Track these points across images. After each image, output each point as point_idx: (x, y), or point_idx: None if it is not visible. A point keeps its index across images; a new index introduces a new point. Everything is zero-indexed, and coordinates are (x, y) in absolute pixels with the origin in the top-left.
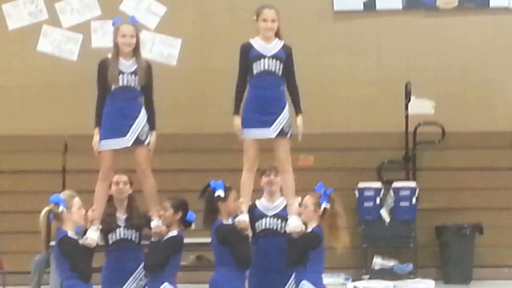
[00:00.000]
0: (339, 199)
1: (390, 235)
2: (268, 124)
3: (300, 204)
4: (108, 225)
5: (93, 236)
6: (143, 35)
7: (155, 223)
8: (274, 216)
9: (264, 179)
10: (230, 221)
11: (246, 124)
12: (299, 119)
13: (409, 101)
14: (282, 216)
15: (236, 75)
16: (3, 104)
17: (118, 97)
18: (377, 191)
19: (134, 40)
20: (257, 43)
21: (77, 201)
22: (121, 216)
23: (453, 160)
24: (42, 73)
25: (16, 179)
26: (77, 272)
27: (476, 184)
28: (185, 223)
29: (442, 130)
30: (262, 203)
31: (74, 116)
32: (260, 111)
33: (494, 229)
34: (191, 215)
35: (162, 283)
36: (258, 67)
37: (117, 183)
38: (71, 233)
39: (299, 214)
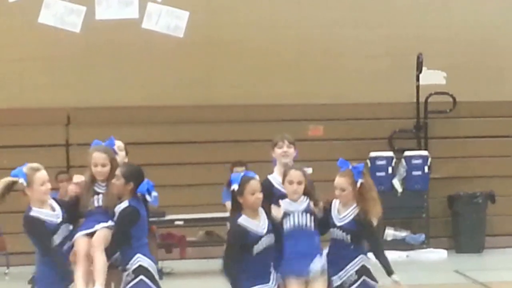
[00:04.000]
0: (367, 171)
1: (402, 206)
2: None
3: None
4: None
5: None
6: (150, 7)
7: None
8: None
9: (278, 151)
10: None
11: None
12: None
13: (420, 72)
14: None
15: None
16: (4, 77)
17: (92, 217)
18: (389, 160)
19: (106, 169)
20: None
21: (39, 176)
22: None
23: (465, 128)
24: (44, 46)
25: (17, 154)
26: (47, 256)
27: (488, 152)
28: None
29: (453, 99)
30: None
31: (76, 88)
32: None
33: (507, 197)
34: (143, 186)
35: (134, 254)
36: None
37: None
38: (36, 210)
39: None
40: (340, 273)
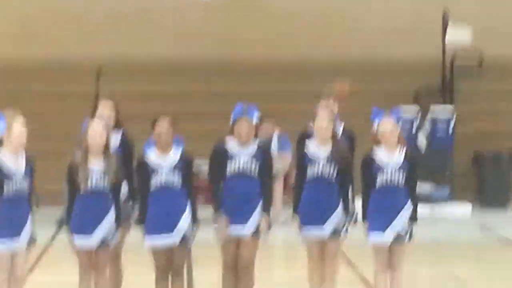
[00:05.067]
0: None
1: (427, 158)
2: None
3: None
4: None
5: None
6: None
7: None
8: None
9: (322, 103)
10: None
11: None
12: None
13: (446, 27)
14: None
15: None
16: (38, 29)
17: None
18: (414, 115)
19: (104, 139)
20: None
21: (17, 125)
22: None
23: (491, 85)
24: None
25: (47, 102)
26: None
27: None
28: None
29: (480, 55)
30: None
31: (107, 42)
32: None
33: None
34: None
35: None
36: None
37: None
38: (3, 154)
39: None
40: (394, 221)
